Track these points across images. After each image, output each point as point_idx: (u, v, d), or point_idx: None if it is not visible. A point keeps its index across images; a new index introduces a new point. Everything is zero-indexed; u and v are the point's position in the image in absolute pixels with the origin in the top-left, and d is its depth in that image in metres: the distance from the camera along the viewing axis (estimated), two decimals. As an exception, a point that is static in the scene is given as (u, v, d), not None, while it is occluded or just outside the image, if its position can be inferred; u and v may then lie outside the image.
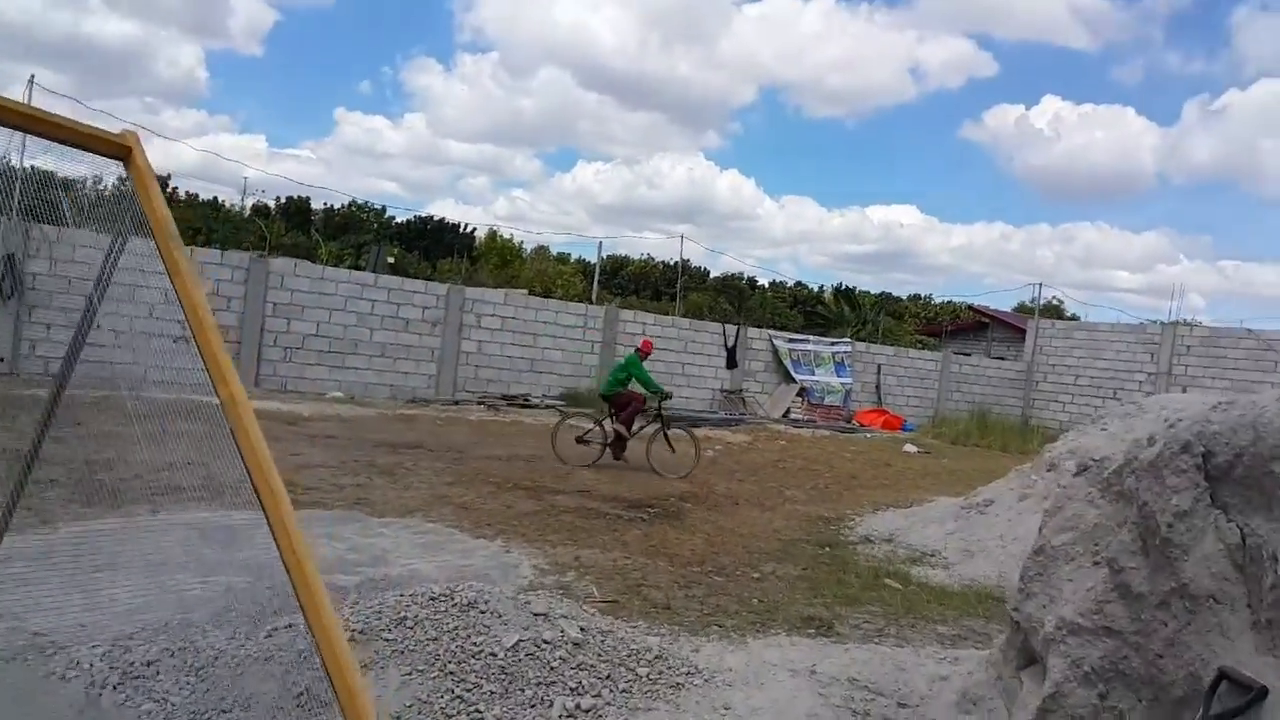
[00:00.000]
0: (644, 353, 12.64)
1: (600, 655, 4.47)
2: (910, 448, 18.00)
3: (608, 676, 4.35)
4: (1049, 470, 8.66)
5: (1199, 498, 2.85)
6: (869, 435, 20.47)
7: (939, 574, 7.51)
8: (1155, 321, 24.13)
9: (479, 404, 17.55)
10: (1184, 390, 22.37)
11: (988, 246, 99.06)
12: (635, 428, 12.12)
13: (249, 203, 52.90)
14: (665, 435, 11.90)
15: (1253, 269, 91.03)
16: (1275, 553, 2.55)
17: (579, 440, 11.89)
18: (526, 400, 18.35)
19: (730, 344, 21.66)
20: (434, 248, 65.21)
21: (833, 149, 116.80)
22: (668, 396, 12.58)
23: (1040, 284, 45.47)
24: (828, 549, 8.16)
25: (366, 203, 67.44)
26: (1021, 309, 55.97)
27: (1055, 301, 54.83)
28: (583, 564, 6.70)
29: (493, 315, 18.82)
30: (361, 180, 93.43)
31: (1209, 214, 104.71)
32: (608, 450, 11.92)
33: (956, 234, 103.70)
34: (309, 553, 2.61)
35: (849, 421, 22.48)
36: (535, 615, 4.55)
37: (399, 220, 69.04)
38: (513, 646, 4.27)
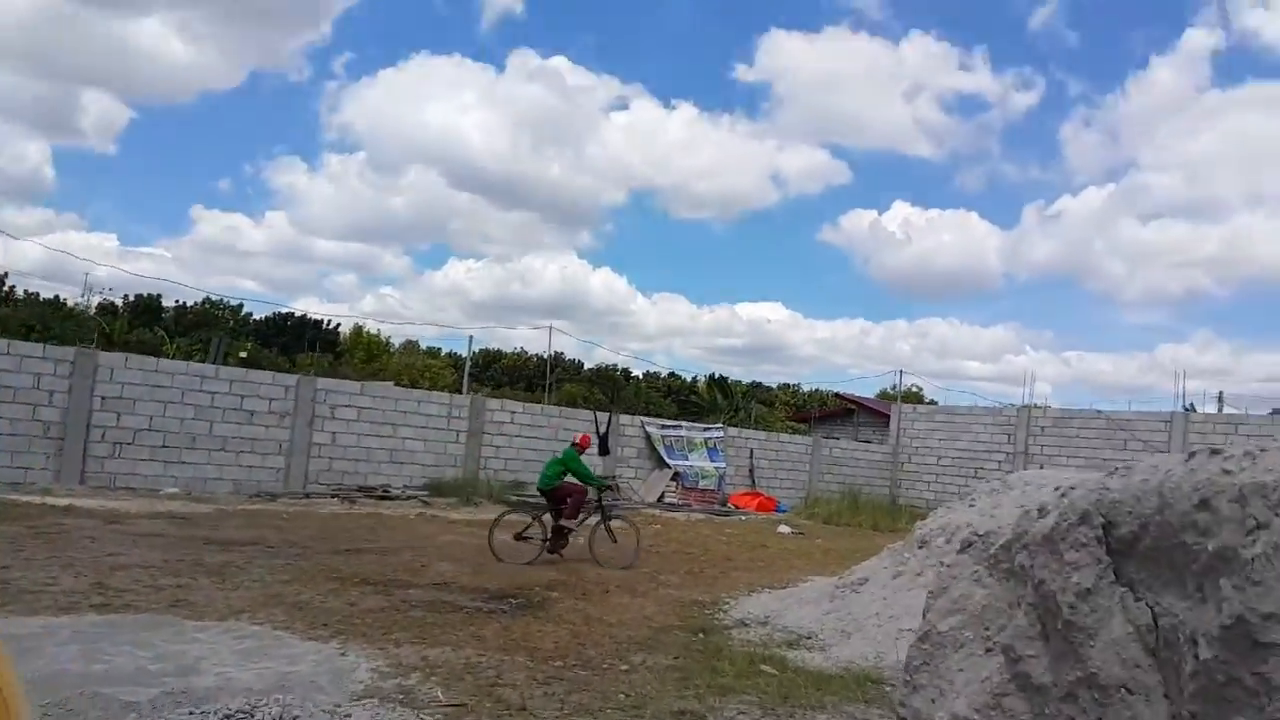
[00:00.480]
0: (581, 447, 12.36)
1: (435, 770, 3.82)
2: (784, 528, 17.82)
3: (443, 795, 3.71)
4: (920, 547, 8.48)
5: (1102, 574, 2.55)
6: (744, 517, 20.25)
7: (816, 657, 7.11)
8: (1010, 405, 25.18)
9: (333, 497, 16.42)
10: (1041, 467, 23.20)
11: (849, 340, 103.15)
12: (579, 520, 11.74)
13: (95, 300, 49.85)
14: (607, 526, 11.70)
15: (1092, 358, 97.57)
16: (1193, 634, 2.22)
17: (517, 537, 11.40)
18: (386, 491, 17.32)
19: (603, 431, 21.21)
20: (295, 344, 62.84)
21: (701, 249, 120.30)
22: (608, 487, 12.40)
23: (900, 371, 47.31)
24: (701, 635, 7.66)
25: (221, 299, 64.77)
26: (884, 395, 57.93)
27: (915, 389, 57.01)
28: (430, 664, 5.99)
29: (348, 406, 17.82)
30: (220, 279, 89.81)
31: (1050, 309, 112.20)
32: (545, 546, 11.36)
33: (820, 328, 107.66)
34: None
35: (724, 504, 22.24)
36: (356, 727, 3.87)
37: (257, 318, 66.52)
38: (326, 766, 3.58)
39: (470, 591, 8.81)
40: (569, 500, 11.70)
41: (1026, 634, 2.73)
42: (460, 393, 23.59)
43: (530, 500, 18.49)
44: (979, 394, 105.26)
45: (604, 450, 21.13)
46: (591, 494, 11.93)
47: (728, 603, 9.42)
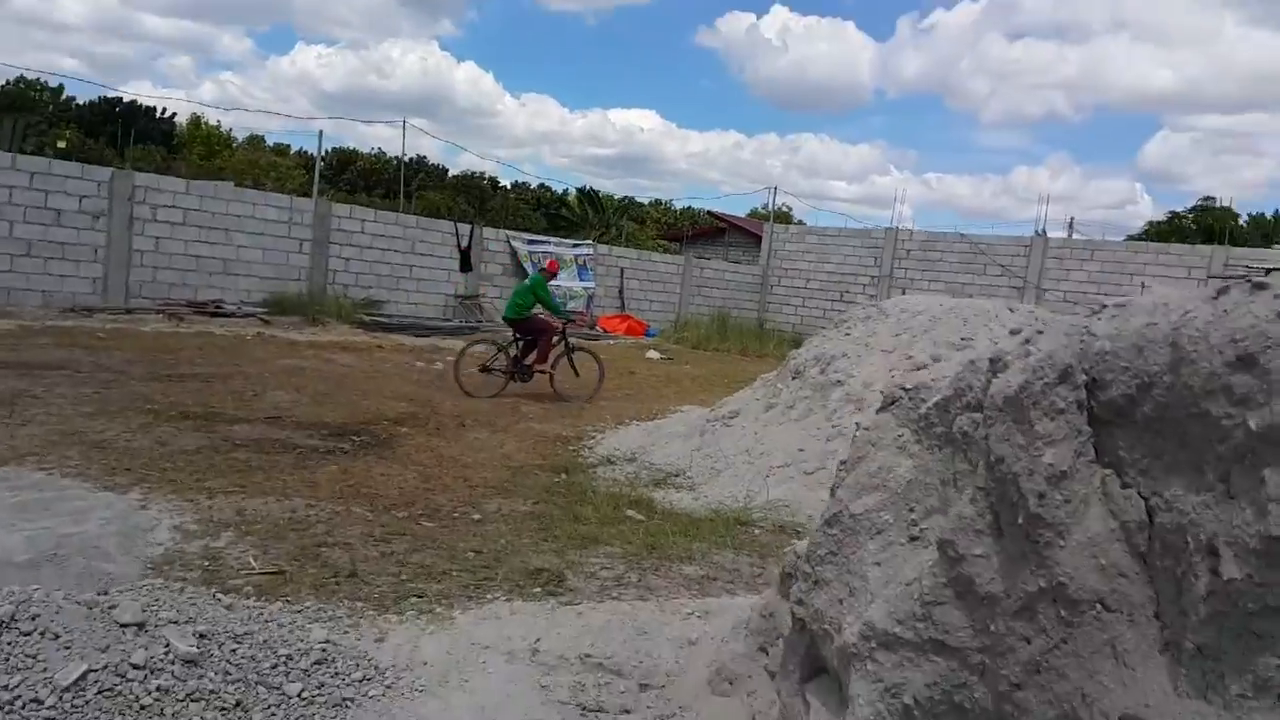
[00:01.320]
0: (550, 273, 11.70)
1: (228, 674, 3.12)
2: (653, 354, 17.51)
3: (237, 705, 3.02)
4: (794, 378, 8.09)
5: (1080, 450, 1.93)
6: (612, 341, 19.81)
7: (685, 498, 6.71)
8: (878, 227, 25.18)
9: (158, 313, 14.89)
10: (904, 291, 23.59)
11: (722, 154, 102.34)
12: (552, 360, 11.17)
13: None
14: (570, 358, 11.31)
15: (951, 180, 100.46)
16: (1211, 542, 1.64)
17: (483, 369, 11.03)
18: (219, 307, 15.84)
19: (464, 245, 20.02)
20: (124, 135, 57.25)
21: (573, 47, 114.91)
22: (571, 320, 12.05)
23: (775, 188, 46.80)
24: (564, 476, 7.12)
25: (39, 79, 57.81)
26: (755, 215, 57.99)
27: (785, 208, 57.28)
28: (247, 519, 5.20)
29: (172, 207, 15.91)
30: (35, 55, 79.70)
31: (916, 128, 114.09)
32: (514, 378, 10.95)
33: (694, 140, 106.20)
34: None
35: (592, 328, 21.71)
36: (123, 627, 3.09)
37: (80, 102, 60.06)
38: (74, 684, 2.81)
39: (307, 427, 7.95)
40: (540, 337, 11.12)
41: (972, 526, 2.14)
42: (309, 196, 21.60)
43: (384, 320, 17.44)
44: (846, 215, 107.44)
45: (465, 266, 20.05)
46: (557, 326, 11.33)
47: (594, 436, 8.93)
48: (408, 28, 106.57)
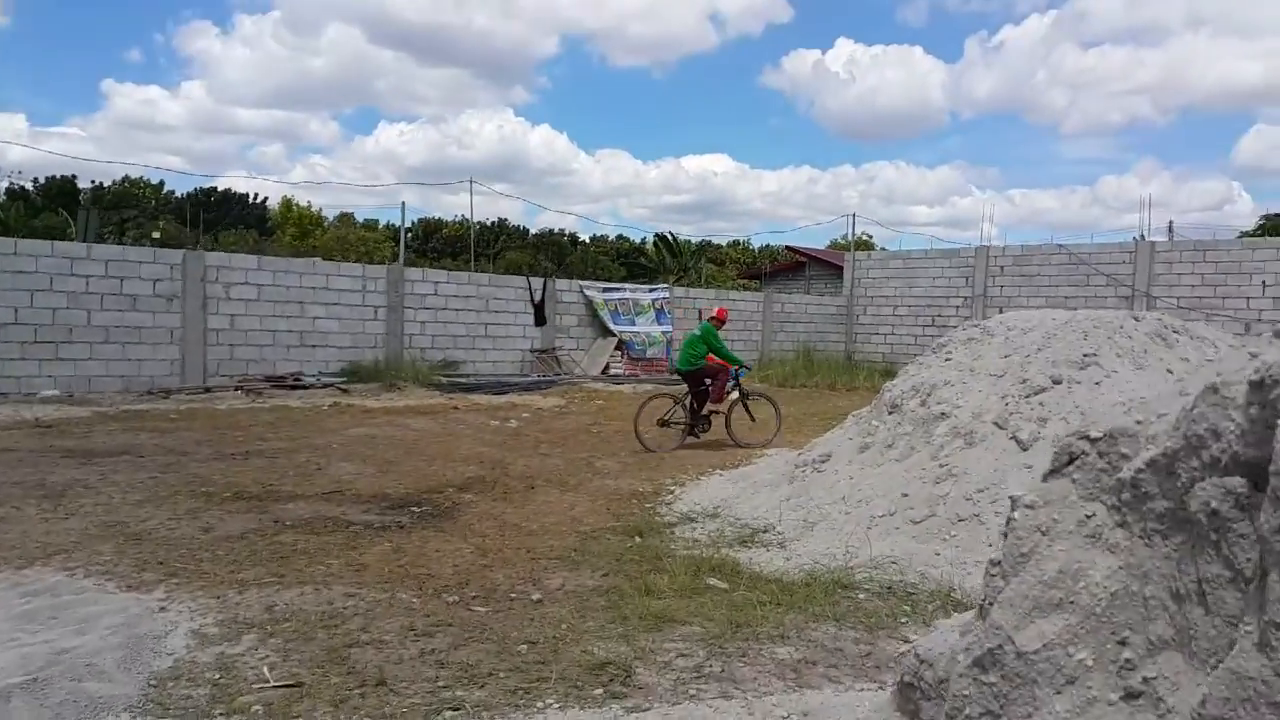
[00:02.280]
0: (720, 321, 11.57)
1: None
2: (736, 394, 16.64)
3: None
4: (890, 412, 7.21)
5: None
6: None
7: (774, 558, 5.87)
8: (967, 245, 23.95)
9: (236, 389, 14.82)
10: (1000, 310, 22.25)
11: (797, 190, 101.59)
12: (726, 403, 11.16)
13: (2, 185, 46.20)
14: (745, 404, 11.26)
15: (1037, 195, 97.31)
16: None
17: (661, 423, 10.94)
18: (298, 380, 15.73)
19: (537, 299, 19.67)
20: (221, 221, 59.74)
21: (642, 100, 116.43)
22: (748, 368, 12.01)
23: (854, 215, 45.54)
24: (637, 539, 6.37)
25: (141, 178, 61.08)
26: (835, 245, 56.83)
27: (866, 237, 55.94)
28: (276, 616, 4.60)
29: (245, 284, 15.96)
30: (141, 155, 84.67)
31: (995, 146, 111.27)
32: (693, 430, 10.96)
33: (767, 179, 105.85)
34: None
35: (673, 373, 21.04)
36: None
37: (179, 194, 63.25)
38: None
39: (366, 501, 7.42)
40: (713, 382, 11.01)
41: (1248, 681, 1.29)
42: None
43: (461, 381, 17.09)
44: (929, 239, 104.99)
45: (540, 320, 19.67)
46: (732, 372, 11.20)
47: (672, 491, 8.17)
48: (484, 99, 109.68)
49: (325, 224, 67.23)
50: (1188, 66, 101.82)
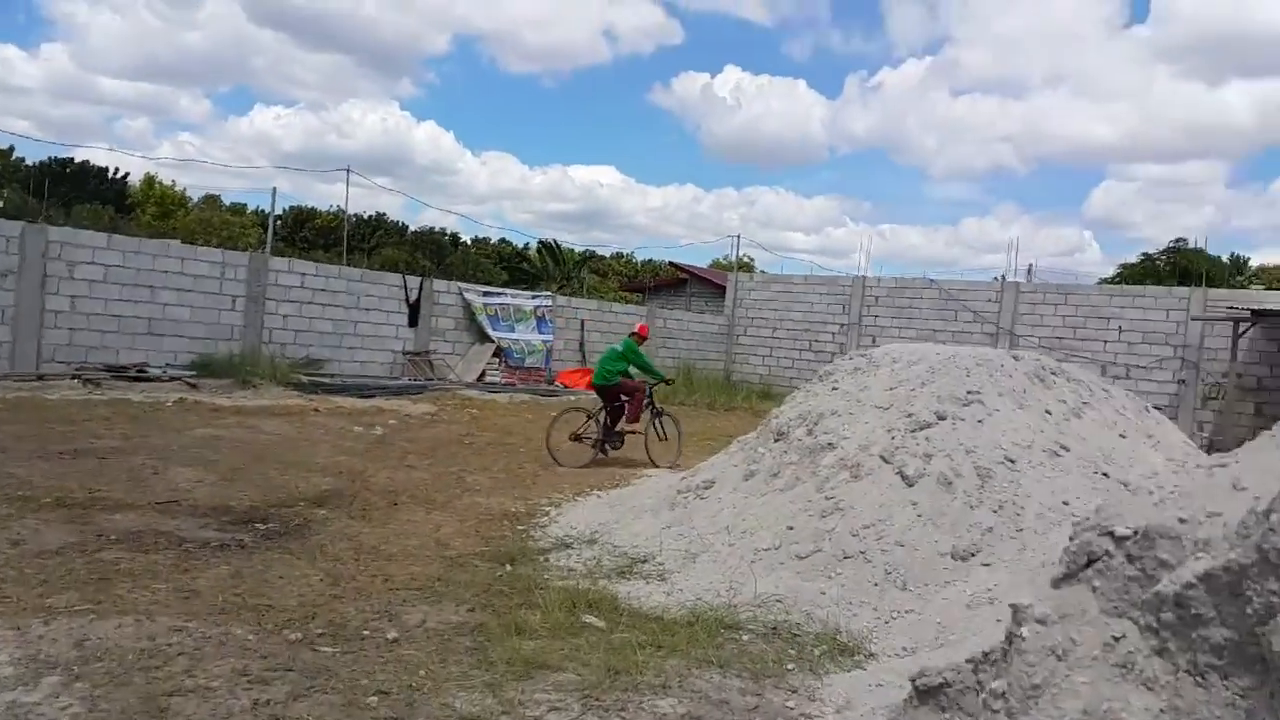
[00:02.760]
0: (641, 337, 11.44)
1: None
2: (615, 410, 16.34)
3: None
4: (777, 440, 7.02)
5: None
6: (573, 397, 18.65)
7: (655, 592, 5.54)
8: (845, 275, 24.47)
9: (73, 378, 13.52)
10: (874, 341, 22.79)
11: (681, 208, 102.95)
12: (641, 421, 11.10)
13: None
14: (658, 422, 11.18)
15: (905, 231, 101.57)
16: None
17: (573, 437, 10.73)
18: (142, 371, 14.50)
19: (413, 299, 18.87)
20: (77, 195, 55.71)
21: (532, 107, 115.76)
22: (670, 382, 12.06)
23: (739, 237, 46.20)
24: (509, 567, 5.92)
25: (-11, 142, 56.51)
26: (717, 265, 57.56)
27: (748, 259, 56.88)
28: (87, 653, 3.95)
29: (91, 263, 14.62)
30: (-16, 118, 78.11)
31: (869, 182, 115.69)
32: (600, 446, 10.79)
33: (652, 195, 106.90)
34: None
35: (551, 383, 20.59)
36: None
37: (30, 163, 58.90)
38: None
39: (206, 513, 6.70)
40: (629, 399, 10.91)
41: None
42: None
43: (324, 381, 16.13)
44: (808, 266, 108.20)
45: (414, 321, 18.89)
46: (647, 390, 11.16)
47: (547, 512, 7.76)
48: (366, 88, 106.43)
49: (189, 205, 63.71)
50: (1047, 120, 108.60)
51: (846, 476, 6.09)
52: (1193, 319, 18.02)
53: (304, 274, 17.60)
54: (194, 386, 14.29)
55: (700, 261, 58.27)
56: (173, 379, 14.55)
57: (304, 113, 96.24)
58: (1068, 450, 6.11)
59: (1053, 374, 7.11)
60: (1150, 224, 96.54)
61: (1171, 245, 39.06)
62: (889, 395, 6.77)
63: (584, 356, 22.26)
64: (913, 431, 6.16)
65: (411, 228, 65.58)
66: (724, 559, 5.83)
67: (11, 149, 59.47)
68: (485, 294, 21.11)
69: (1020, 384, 6.75)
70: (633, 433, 10.99)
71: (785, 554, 5.62)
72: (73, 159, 60.51)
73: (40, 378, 13.54)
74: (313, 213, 62.41)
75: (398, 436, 11.65)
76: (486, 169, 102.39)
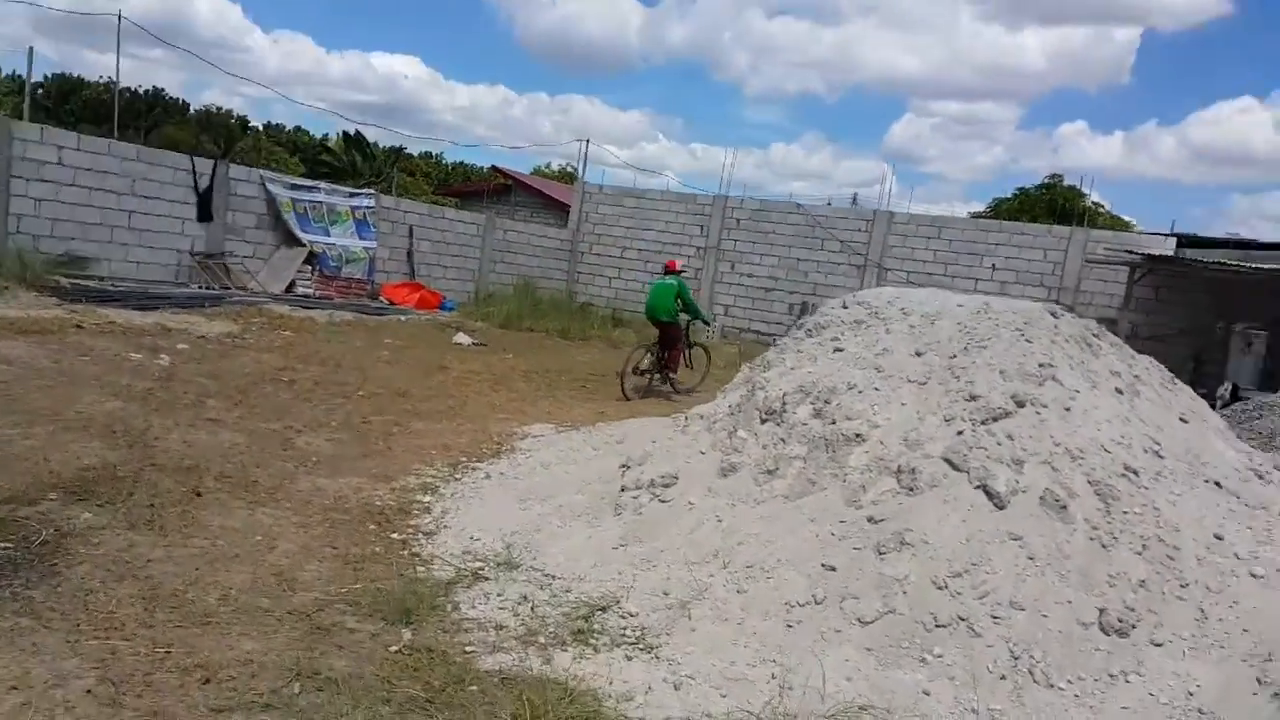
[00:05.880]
0: (677, 274, 11.38)
1: None
2: (463, 338, 13.97)
3: None
4: (765, 420, 5.12)
5: None
6: (404, 318, 16.00)
7: (654, 681, 3.51)
8: (705, 193, 22.69)
9: None
10: (733, 266, 21.35)
11: (491, 110, 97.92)
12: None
13: None
14: (688, 355, 11.85)
15: (716, 152, 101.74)
16: None
17: (636, 371, 11.08)
18: None
19: (203, 187, 15.40)
20: None
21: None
22: (710, 323, 12.76)
23: (588, 141, 42.95)
24: (406, 632, 3.73)
25: None
26: (539, 173, 54.56)
27: (571, 168, 54.16)
28: None
29: None
30: None
31: (683, 98, 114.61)
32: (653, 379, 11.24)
33: (461, 93, 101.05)
34: None
35: (375, 299, 17.75)
36: None
37: None
38: None
39: None
40: (675, 345, 11.26)
41: None
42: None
43: (92, 287, 12.67)
44: (619, 182, 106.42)
45: (205, 216, 15.48)
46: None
47: (424, 503, 5.54)
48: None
49: (-70, 66, 53.77)
50: (856, 48, 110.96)
51: (894, 486, 4.30)
52: (1086, 260, 17.56)
53: (62, 147, 13.76)
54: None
55: (519, 167, 54.93)
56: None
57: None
58: (1160, 448, 4.60)
59: (1096, 337, 5.59)
60: (944, 160, 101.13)
61: (1046, 181, 39.58)
62: (922, 364, 5.02)
63: (413, 269, 19.46)
64: (983, 423, 4.44)
65: (194, 107, 58.00)
66: (735, 615, 3.92)
67: None
68: (293, 187, 17.74)
69: (1076, 352, 5.18)
70: (674, 366, 11.36)
71: (837, 614, 3.79)
72: None
73: None
74: (80, 83, 53.65)
75: (191, 369, 8.86)
76: (278, 49, 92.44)
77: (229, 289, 15.00)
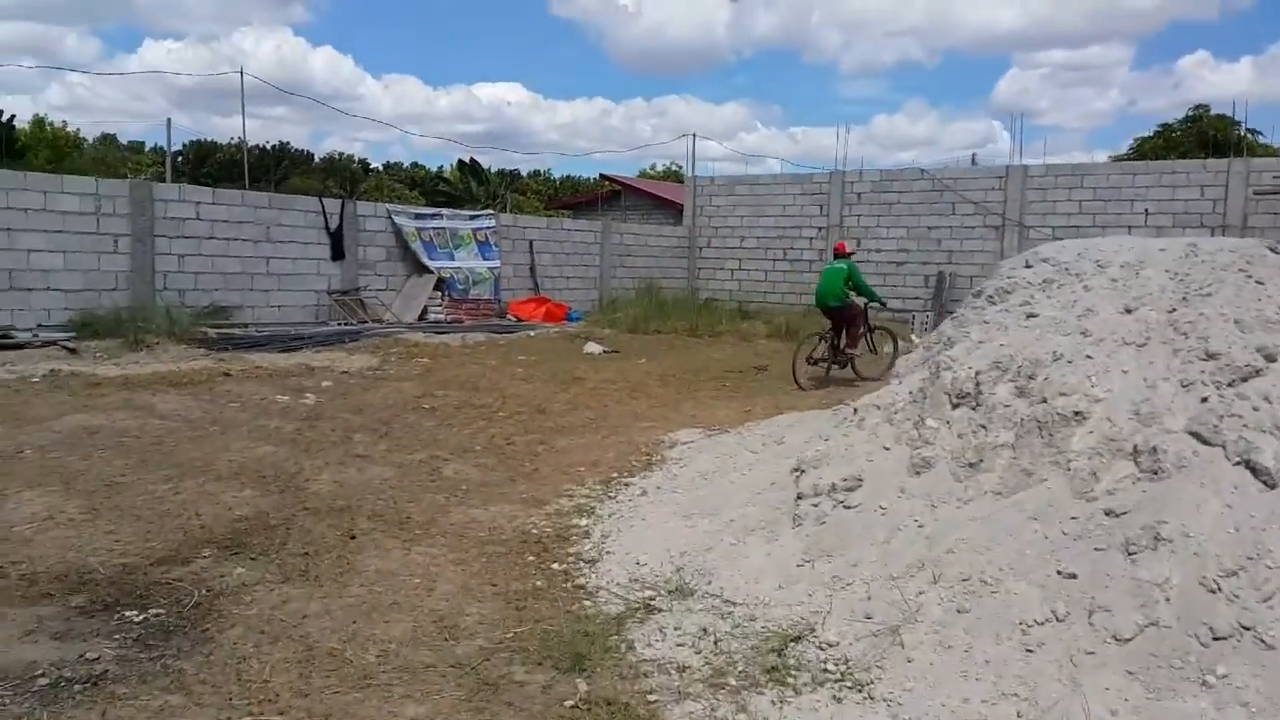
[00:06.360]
0: (847, 255, 11.22)
1: None
2: (594, 347, 13.70)
3: None
4: (957, 405, 4.50)
5: None
6: (533, 333, 15.92)
7: None
8: (821, 170, 21.84)
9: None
10: (859, 243, 20.42)
11: (591, 122, 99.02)
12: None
13: None
14: (870, 338, 11.43)
15: (817, 133, 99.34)
16: None
17: (810, 361, 10.85)
18: (7, 337, 11.32)
19: (334, 226, 15.73)
20: (-44, 146, 49.73)
21: (431, 24, 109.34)
22: (884, 304, 11.97)
23: (694, 135, 42.52)
24: (582, 683, 3.31)
25: None
26: (645, 175, 54.32)
27: (676, 167, 53.69)
28: None
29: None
30: None
31: (778, 85, 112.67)
32: (829, 366, 11.00)
33: (561, 110, 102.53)
34: None
35: (503, 317, 17.79)
36: None
37: (-92, 116, 52.83)
38: None
39: (46, 593, 3.93)
40: (851, 322, 10.96)
41: None
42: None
43: (235, 335, 13.03)
44: (740, 162, 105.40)
45: (338, 253, 15.79)
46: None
47: (581, 527, 5.16)
48: (258, 16, 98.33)
49: (84, 146, 58.69)
50: (950, 9, 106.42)
51: (1132, 471, 3.63)
52: (1253, 193, 15.89)
53: (199, 203, 14.29)
54: (73, 352, 11.22)
55: (624, 172, 54.89)
56: (46, 344, 11.42)
57: (196, 45, 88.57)
58: None
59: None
60: (1057, 111, 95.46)
61: (1191, 114, 36.57)
62: (1136, 322, 4.30)
63: (536, 283, 19.44)
64: (1230, 384, 3.71)
65: (317, 156, 60.73)
66: (958, 640, 3.34)
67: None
68: (417, 216, 18.01)
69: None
70: (854, 355, 10.99)
71: (1086, 632, 3.16)
72: (-51, 108, 54.47)
73: None
74: (214, 146, 57.03)
75: (336, 406, 8.84)
76: (389, 93, 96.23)
77: (366, 322, 15.24)
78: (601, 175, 40.20)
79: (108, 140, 62.82)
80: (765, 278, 22.10)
